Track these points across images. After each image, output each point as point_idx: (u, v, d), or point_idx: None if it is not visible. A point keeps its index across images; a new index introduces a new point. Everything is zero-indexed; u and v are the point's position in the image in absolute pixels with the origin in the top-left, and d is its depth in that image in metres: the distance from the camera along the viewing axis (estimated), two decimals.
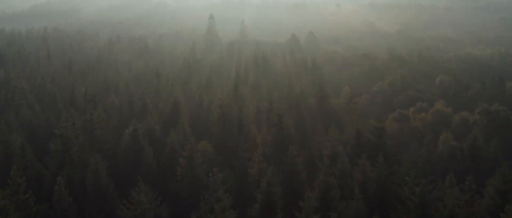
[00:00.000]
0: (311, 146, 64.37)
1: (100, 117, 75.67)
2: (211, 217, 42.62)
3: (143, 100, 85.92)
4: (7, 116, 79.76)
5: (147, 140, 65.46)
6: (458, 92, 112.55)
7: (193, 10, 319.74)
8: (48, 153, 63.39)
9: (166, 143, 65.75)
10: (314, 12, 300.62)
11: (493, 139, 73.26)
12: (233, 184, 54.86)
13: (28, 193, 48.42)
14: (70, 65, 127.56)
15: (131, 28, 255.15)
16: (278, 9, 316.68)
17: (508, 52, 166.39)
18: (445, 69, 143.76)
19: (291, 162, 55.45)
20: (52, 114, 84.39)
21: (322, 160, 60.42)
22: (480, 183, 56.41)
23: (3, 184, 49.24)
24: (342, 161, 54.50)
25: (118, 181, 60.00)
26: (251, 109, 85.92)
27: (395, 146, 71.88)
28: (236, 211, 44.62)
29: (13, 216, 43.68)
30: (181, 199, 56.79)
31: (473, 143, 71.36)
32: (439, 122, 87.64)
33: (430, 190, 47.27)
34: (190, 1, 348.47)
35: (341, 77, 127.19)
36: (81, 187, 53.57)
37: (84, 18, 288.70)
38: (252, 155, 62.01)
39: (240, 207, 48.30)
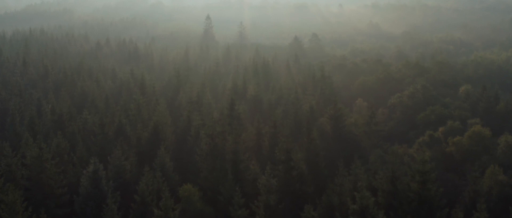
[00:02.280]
0: (331, 194, 47.30)
1: (60, 147, 58.52)
2: None
3: (119, 121, 68.78)
4: None
5: (113, 185, 48.32)
6: (488, 105, 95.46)
7: (190, 10, 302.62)
8: None
9: (138, 187, 48.48)
10: (316, 13, 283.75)
11: None
12: None
13: None
14: (46, 74, 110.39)
15: (124, 29, 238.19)
16: (278, 10, 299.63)
17: None
18: (465, 76, 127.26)
19: None
20: (10, 141, 66.61)
21: (346, 216, 43.48)
22: None
23: None
24: None
25: None
26: (250, 132, 68.79)
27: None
28: None
29: None
30: None
31: None
32: (478, 147, 70.70)
33: None
34: (188, 1, 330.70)
35: (352, 87, 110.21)
36: None
37: (77, 19, 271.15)
38: (252, 208, 45.22)
39: None
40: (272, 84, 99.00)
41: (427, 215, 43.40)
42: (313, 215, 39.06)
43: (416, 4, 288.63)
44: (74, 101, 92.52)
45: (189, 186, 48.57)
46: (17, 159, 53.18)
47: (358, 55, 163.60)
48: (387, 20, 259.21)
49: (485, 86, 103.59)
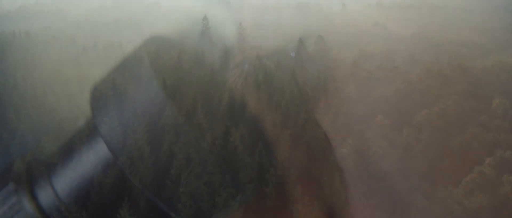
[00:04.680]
0: None
1: None
2: None
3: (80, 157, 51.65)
4: None
5: None
6: None
7: (188, 10, 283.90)
8: None
9: None
10: (318, 13, 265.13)
11: None
12: None
13: None
14: (16, 87, 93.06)
15: (118, 31, 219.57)
16: (279, 10, 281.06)
17: None
18: (492, 85, 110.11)
19: None
20: None
21: None
22: None
23: None
24: None
25: None
26: (250, 169, 51.66)
27: None
28: None
29: None
30: None
31: None
32: None
33: None
34: (186, 0, 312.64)
35: (368, 100, 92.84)
36: None
37: (69, 20, 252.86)
38: None
39: None
40: (276, 99, 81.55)
41: None
42: None
43: (422, 4, 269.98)
44: (41, 122, 75.36)
45: None
46: None
47: (367, 59, 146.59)
48: (392, 20, 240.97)
49: None
